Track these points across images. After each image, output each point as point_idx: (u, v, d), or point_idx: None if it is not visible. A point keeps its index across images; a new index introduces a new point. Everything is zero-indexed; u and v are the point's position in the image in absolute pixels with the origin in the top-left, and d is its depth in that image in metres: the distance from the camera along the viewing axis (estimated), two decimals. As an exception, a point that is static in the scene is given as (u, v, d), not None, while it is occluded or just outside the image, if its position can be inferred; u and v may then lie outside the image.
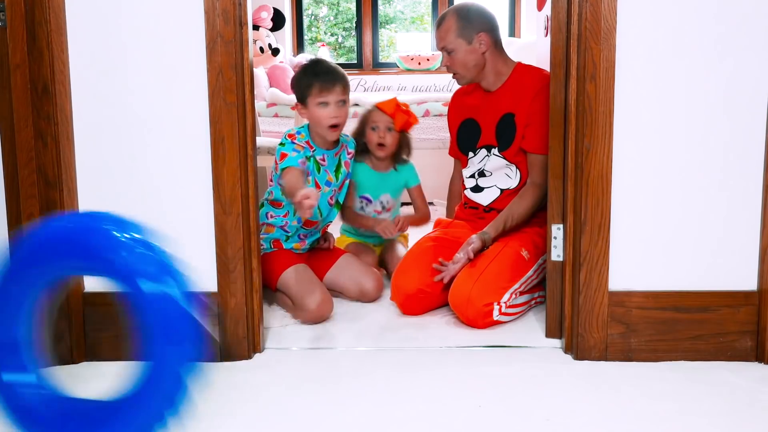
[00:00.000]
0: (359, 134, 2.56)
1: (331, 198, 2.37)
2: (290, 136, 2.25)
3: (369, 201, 2.55)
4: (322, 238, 2.46)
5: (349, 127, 2.51)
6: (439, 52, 5.48)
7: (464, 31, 2.22)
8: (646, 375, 1.73)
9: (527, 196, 2.23)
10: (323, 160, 2.31)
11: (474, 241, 2.17)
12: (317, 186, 2.29)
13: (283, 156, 2.19)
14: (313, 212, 2.28)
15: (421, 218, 2.65)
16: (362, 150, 2.55)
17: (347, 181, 2.43)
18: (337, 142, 2.35)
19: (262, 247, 2.26)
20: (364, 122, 2.55)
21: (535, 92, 2.22)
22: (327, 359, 1.85)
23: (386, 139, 2.49)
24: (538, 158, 2.21)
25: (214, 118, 1.77)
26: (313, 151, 2.28)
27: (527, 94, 2.23)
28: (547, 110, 2.10)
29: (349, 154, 2.42)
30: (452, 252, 2.24)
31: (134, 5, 1.76)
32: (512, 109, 2.26)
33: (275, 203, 2.31)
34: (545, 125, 2.12)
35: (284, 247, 2.33)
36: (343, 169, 2.38)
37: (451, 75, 2.33)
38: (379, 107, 2.52)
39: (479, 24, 2.23)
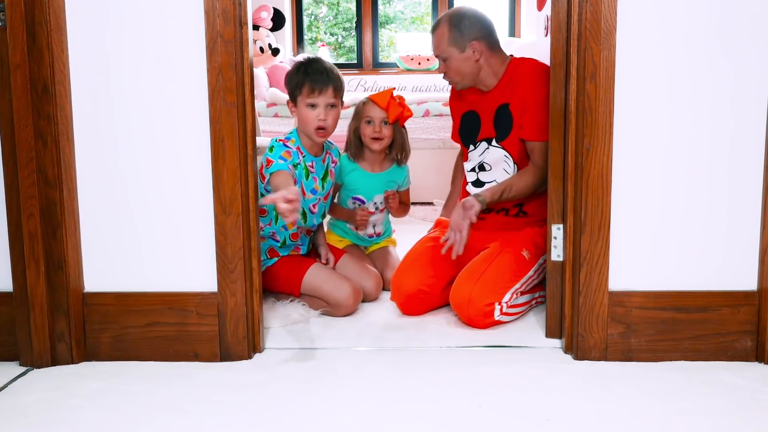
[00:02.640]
0: (354, 130, 2.51)
1: (314, 206, 2.32)
2: (281, 141, 2.22)
3: (362, 202, 2.54)
4: (316, 252, 2.43)
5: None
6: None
7: (457, 39, 2.21)
8: (646, 375, 1.72)
9: (527, 174, 2.21)
10: (312, 166, 2.28)
11: (474, 204, 2.13)
12: (303, 193, 2.25)
13: (269, 162, 2.14)
14: (297, 221, 2.28)
15: (404, 208, 2.63)
16: (356, 150, 2.51)
17: (332, 191, 2.40)
18: (322, 148, 2.32)
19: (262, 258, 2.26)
20: (358, 116, 2.49)
21: (527, 81, 2.22)
22: (327, 359, 1.85)
23: (381, 132, 2.45)
24: (537, 144, 2.20)
25: (214, 118, 1.77)
26: (302, 157, 2.25)
27: (520, 83, 2.23)
28: (542, 97, 2.11)
29: (333, 162, 2.38)
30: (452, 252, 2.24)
31: (134, 5, 1.76)
32: (507, 99, 2.26)
33: (260, 211, 2.23)
34: (541, 112, 2.12)
35: (281, 254, 2.30)
36: (329, 178, 2.35)
37: (448, 81, 2.33)
38: (372, 99, 2.47)
39: (472, 32, 2.21)
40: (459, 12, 2.26)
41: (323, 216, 2.42)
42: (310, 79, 2.17)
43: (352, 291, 2.19)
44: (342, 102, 2.27)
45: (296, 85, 2.20)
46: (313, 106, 2.18)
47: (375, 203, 2.54)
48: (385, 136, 2.45)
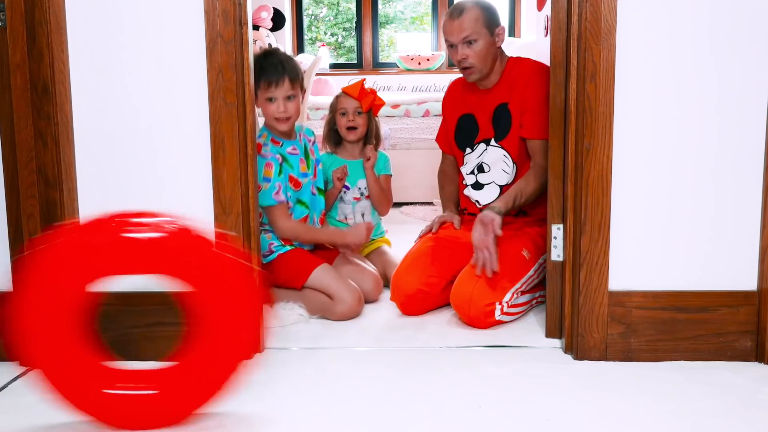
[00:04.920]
0: (331, 123, 2.61)
1: (312, 187, 2.37)
2: (258, 146, 2.21)
3: (347, 188, 2.60)
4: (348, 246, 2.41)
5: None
6: (439, 52, 5.41)
7: (489, 21, 2.20)
8: (646, 375, 1.73)
9: (533, 177, 2.19)
10: (294, 149, 2.31)
11: (494, 217, 2.07)
12: (297, 183, 2.28)
13: (267, 168, 2.19)
14: (301, 210, 2.30)
15: (386, 198, 2.60)
16: (334, 142, 2.63)
17: (319, 167, 2.42)
18: (294, 131, 2.35)
19: (273, 245, 2.28)
20: (333, 109, 2.60)
21: (526, 79, 2.22)
22: (327, 359, 1.85)
23: (356, 121, 2.55)
24: (538, 143, 2.20)
25: (214, 118, 1.77)
26: (280, 146, 2.27)
27: (519, 82, 2.23)
28: (542, 96, 2.11)
29: (309, 141, 2.41)
30: (452, 252, 2.24)
31: (134, 5, 1.76)
32: (505, 98, 2.26)
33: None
34: (541, 111, 2.12)
35: (294, 244, 2.31)
36: (311, 156, 2.39)
37: (462, 69, 2.25)
38: (345, 91, 2.57)
39: (498, 17, 2.25)
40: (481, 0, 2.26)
41: (322, 195, 2.44)
42: (266, 74, 2.19)
43: (358, 296, 2.19)
44: (303, 90, 2.29)
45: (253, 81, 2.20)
46: (271, 99, 2.21)
47: (359, 188, 2.59)
48: (359, 125, 2.56)
